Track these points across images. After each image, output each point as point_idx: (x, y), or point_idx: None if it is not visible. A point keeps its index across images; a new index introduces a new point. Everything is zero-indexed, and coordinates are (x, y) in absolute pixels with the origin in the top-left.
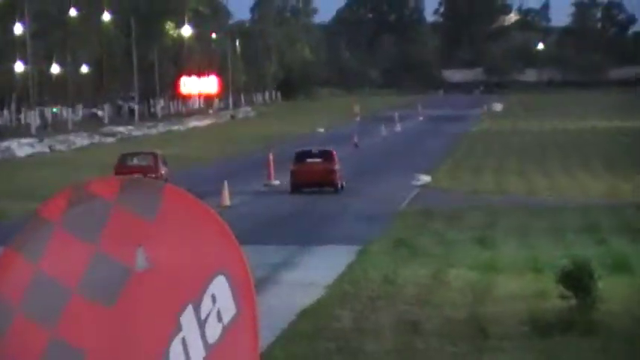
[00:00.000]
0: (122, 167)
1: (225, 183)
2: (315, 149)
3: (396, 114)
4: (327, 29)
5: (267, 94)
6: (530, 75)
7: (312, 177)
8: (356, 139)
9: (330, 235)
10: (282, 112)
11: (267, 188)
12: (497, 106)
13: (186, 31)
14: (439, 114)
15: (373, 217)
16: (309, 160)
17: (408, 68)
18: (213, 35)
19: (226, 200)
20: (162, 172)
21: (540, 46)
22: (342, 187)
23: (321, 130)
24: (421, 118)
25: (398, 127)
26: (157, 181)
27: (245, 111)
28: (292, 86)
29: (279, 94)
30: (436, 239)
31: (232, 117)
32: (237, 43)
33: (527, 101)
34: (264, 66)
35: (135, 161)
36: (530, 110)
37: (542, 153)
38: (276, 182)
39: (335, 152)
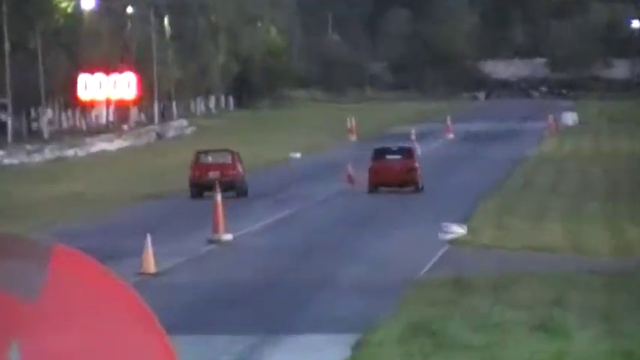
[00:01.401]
0: (199, 166)
1: (149, 238)
2: (394, 146)
3: (413, 130)
4: (304, 1)
5: (212, 99)
6: (619, 69)
7: (392, 175)
8: (350, 170)
9: (313, 317)
10: (235, 128)
11: (214, 246)
12: (569, 117)
13: (87, 3)
14: (478, 129)
15: (379, 289)
16: (388, 156)
17: (430, 60)
18: (129, 10)
19: (150, 265)
20: (240, 170)
21: (636, 24)
22: (422, 187)
23: (297, 155)
24: (451, 136)
25: (416, 151)
26: (39, 241)
27: (179, 126)
28: (251, 87)
29: (231, 99)
30: (474, 322)
31: (159, 136)
32: (167, 23)
33: (614, 109)
34: (208, 56)
35: (210, 159)
36: (620, 122)
37: (638, 188)
38: (228, 237)
39: (414, 149)
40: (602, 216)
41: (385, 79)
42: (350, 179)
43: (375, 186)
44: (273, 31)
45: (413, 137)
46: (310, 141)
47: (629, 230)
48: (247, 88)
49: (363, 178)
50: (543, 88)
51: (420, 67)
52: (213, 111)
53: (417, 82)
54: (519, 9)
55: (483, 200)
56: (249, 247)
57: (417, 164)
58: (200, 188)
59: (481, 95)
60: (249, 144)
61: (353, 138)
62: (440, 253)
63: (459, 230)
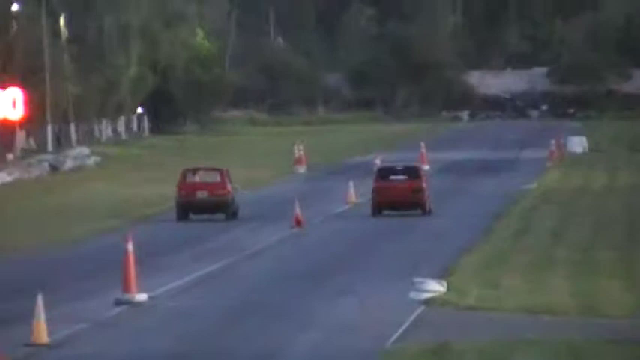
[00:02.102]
0: (186, 185)
1: (40, 300)
2: (399, 165)
3: (378, 160)
4: None
5: (122, 121)
6: (639, 81)
7: (397, 196)
8: (297, 211)
9: None
10: (152, 158)
11: (124, 308)
12: (577, 143)
13: None
14: (462, 159)
15: None
16: (393, 177)
17: (400, 70)
18: (15, 7)
19: (42, 334)
20: (230, 190)
21: None
22: (430, 211)
23: None
24: (426, 168)
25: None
26: None
27: (79, 155)
28: (173, 106)
29: (145, 120)
30: None
31: (54, 167)
32: (63, 23)
33: (633, 132)
34: (117, 66)
35: (198, 178)
36: None
37: None
38: (142, 296)
39: (422, 168)
40: (618, 269)
41: (343, 94)
42: (297, 221)
43: (379, 208)
44: (201, 33)
45: (378, 167)
46: (248, 174)
47: None
48: (167, 106)
49: (313, 218)
50: (544, 106)
51: (387, 80)
52: (124, 136)
53: (383, 98)
54: (513, 6)
55: (468, 250)
56: (169, 310)
57: (424, 185)
58: (187, 209)
59: (465, 115)
60: (168, 180)
61: (302, 170)
62: (412, 316)
63: (436, 287)
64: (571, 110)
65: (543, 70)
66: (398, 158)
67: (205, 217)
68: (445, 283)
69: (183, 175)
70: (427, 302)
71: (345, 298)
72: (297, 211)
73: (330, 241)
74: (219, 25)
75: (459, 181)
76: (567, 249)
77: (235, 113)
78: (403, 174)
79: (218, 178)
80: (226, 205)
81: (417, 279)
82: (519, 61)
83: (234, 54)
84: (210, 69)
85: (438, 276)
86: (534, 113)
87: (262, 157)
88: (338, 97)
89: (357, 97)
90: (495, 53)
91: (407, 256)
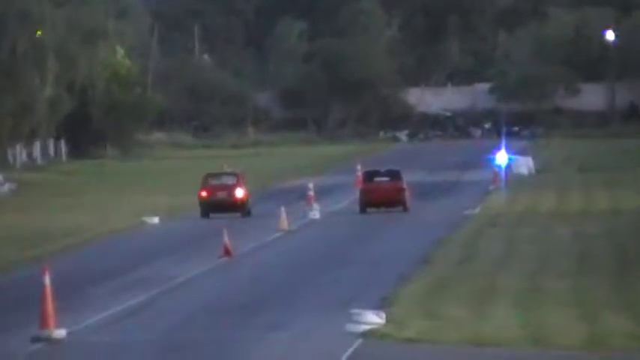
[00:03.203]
0: (207, 187)
1: None
2: (383, 169)
3: (311, 184)
4: (163, 12)
5: (38, 145)
6: (590, 97)
7: (381, 195)
8: (226, 239)
9: None
10: (70, 184)
11: (42, 345)
12: (523, 164)
13: None
14: None
15: None
16: (377, 179)
17: (335, 88)
18: None
19: None
20: (245, 191)
21: (610, 36)
22: (409, 209)
23: (154, 220)
24: None
25: (314, 212)
26: None
27: None
28: (91, 129)
29: (62, 145)
30: None
31: None
32: None
33: (584, 152)
34: (31, 87)
35: (218, 181)
36: (591, 170)
37: (618, 260)
38: (60, 332)
39: (401, 171)
40: (568, 298)
41: (274, 114)
42: (226, 250)
43: (365, 206)
44: (121, 51)
45: (311, 193)
46: (172, 201)
47: (604, 316)
48: (86, 129)
49: (243, 246)
50: (487, 125)
51: (320, 99)
52: (39, 161)
53: (316, 118)
54: (454, 17)
55: (408, 279)
56: (89, 347)
57: (404, 185)
58: (208, 208)
59: (403, 135)
60: (88, 207)
61: None
62: (349, 351)
63: (375, 319)
64: (516, 129)
65: (486, 86)
66: (333, 182)
67: (224, 215)
68: (384, 315)
69: (205, 179)
70: (365, 335)
71: (276, 333)
72: (226, 239)
73: (260, 271)
74: (140, 42)
75: None
76: (513, 277)
77: (159, 136)
78: (386, 176)
79: (235, 181)
80: (242, 204)
81: (354, 310)
82: (461, 77)
83: (158, 73)
84: (131, 89)
85: (377, 307)
86: (477, 132)
87: (187, 183)
88: (268, 117)
89: (289, 118)
90: (436, 69)
91: (343, 287)
